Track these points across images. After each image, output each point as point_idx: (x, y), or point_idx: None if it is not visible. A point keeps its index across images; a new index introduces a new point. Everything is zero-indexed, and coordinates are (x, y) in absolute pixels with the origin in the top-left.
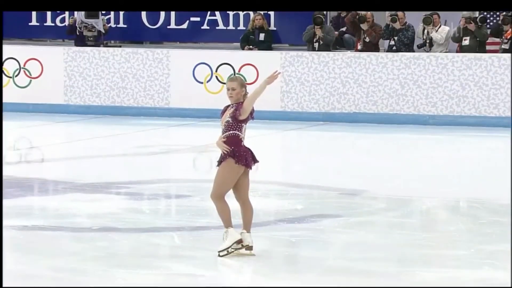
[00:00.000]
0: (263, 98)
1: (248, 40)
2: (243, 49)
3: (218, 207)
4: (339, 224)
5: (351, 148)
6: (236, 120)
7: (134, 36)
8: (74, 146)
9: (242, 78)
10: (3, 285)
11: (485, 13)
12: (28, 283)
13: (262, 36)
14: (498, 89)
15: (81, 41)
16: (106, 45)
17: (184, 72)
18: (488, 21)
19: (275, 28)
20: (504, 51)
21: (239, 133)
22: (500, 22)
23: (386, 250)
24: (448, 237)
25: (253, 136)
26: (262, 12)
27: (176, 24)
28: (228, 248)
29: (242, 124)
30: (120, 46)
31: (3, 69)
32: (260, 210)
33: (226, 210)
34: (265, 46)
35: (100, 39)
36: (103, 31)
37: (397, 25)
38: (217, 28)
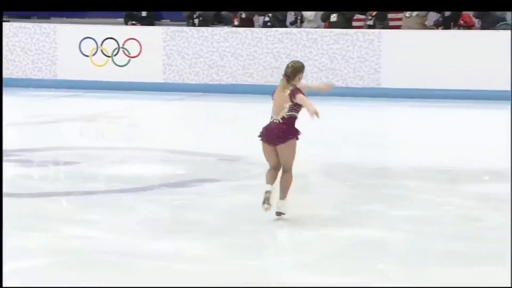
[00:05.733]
0: (145, 71)
1: (132, 16)
2: (126, 24)
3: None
4: (219, 188)
5: (230, 118)
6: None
7: None
8: None
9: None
10: (3, 285)
11: None
12: None
13: (144, 13)
14: (363, 62)
15: None
16: None
17: (70, 46)
18: None
19: None
20: (369, 27)
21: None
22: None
23: (263, 212)
24: (321, 199)
25: (136, 108)
26: None
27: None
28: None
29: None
30: (9, 21)
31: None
32: (144, 175)
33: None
34: (148, 21)
35: None
36: None
37: None
38: None
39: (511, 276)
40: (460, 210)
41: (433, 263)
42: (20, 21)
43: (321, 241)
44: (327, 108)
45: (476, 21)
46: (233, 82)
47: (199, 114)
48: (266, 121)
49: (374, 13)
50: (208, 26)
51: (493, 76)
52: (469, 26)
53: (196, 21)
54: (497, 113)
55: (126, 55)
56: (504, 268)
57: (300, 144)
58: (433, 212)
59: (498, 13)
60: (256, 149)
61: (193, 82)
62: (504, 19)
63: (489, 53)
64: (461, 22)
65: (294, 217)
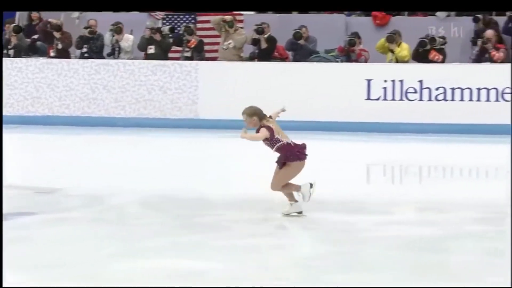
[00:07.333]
0: None
1: None
2: None
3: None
4: (36, 221)
5: (46, 150)
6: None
7: None
8: None
9: (252, 108)
10: (3, 285)
11: (173, 22)
12: None
13: None
14: (181, 93)
15: None
16: None
17: None
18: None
19: None
20: (186, 58)
21: (272, 147)
22: (182, 32)
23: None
24: (139, 230)
25: None
26: None
27: None
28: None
29: (267, 142)
30: None
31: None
32: None
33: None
34: None
35: None
36: None
37: (91, 34)
38: None
39: (511, 276)
40: (275, 239)
41: None
42: None
43: (140, 273)
44: (144, 139)
45: (290, 54)
46: (49, 114)
47: (14, 146)
48: (85, 151)
49: (193, 45)
50: (22, 57)
51: (307, 106)
52: (283, 58)
53: (11, 52)
54: (315, 144)
55: None
56: None
57: (115, 174)
58: (250, 241)
59: (310, 46)
60: (73, 181)
61: (8, 114)
62: (316, 52)
63: (303, 84)
64: (276, 54)
65: (114, 249)
